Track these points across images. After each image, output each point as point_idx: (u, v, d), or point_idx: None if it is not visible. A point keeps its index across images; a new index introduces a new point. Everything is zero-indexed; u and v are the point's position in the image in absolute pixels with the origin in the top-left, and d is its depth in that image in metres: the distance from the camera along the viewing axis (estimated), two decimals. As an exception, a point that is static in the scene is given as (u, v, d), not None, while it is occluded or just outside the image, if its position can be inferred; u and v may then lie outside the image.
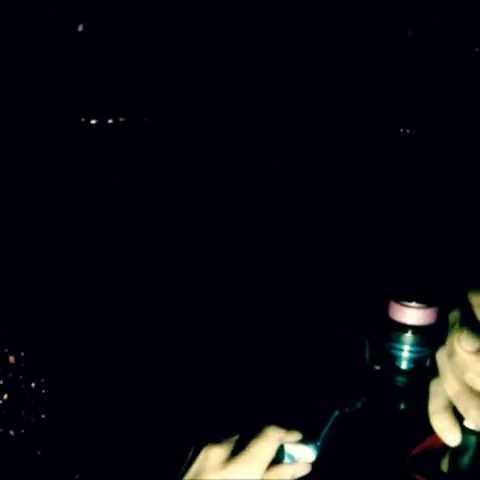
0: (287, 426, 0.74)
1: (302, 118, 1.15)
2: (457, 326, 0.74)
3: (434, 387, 0.75)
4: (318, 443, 0.76)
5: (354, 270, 0.95)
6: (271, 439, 0.72)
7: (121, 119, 1.11)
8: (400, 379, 0.81)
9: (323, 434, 0.78)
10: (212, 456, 0.72)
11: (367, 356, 0.82)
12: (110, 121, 1.12)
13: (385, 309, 0.81)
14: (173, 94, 1.16)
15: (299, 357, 0.92)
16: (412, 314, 0.79)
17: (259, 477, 0.70)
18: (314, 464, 0.73)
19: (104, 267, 1.13)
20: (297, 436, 0.74)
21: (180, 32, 1.13)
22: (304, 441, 0.75)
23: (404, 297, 0.79)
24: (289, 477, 0.71)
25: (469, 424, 0.73)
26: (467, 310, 0.76)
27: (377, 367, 0.81)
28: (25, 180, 1.12)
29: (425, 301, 0.78)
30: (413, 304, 0.79)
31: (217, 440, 0.72)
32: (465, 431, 0.73)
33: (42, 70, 1.10)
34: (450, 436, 0.72)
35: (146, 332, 1.12)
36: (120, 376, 1.10)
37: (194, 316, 1.08)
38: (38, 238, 1.12)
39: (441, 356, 0.75)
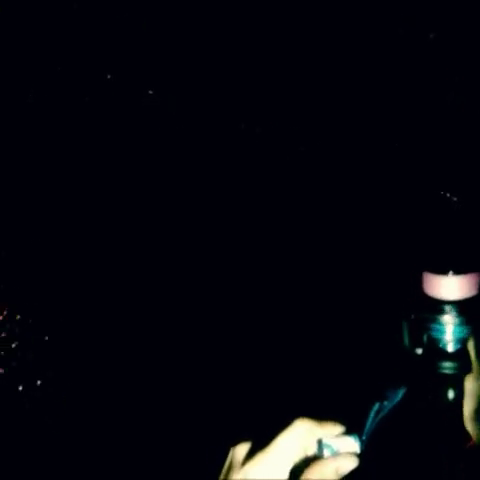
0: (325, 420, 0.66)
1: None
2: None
3: (469, 384, 0.66)
4: (363, 437, 0.67)
5: (384, 245, 0.89)
6: (297, 430, 0.63)
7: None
8: (445, 363, 0.72)
9: (366, 428, 0.69)
10: (238, 454, 0.65)
11: (406, 339, 0.74)
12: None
13: (420, 285, 0.74)
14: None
15: (331, 347, 0.85)
16: (452, 287, 0.72)
17: (285, 469, 0.62)
18: (360, 459, 0.64)
19: (107, 265, 1.10)
20: (333, 428, 0.65)
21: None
22: (345, 434, 0.66)
23: (439, 268, 0.72)
24: (333, 473, 0.62)
25: None
26: None
27: (418, 351, 0.73)
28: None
29: (465, 270, 0.71)
30: (451, 276, 0.71)
31: (246, 438, 0.65)
32: None
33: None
34: None
35: (151, 333, 1.07)
36: (124, 376, 1.05)
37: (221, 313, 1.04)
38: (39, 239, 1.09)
39: (473, 346, 0.67)
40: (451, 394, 0.72)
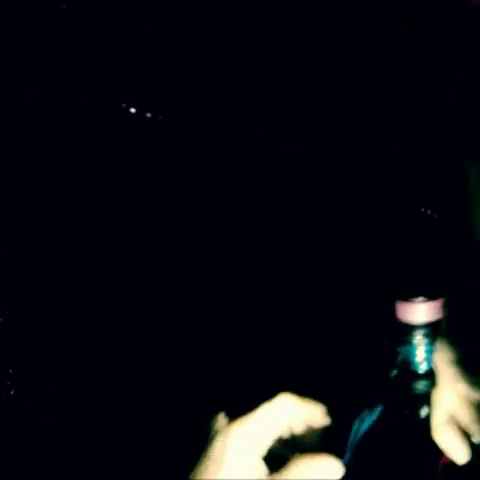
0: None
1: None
2: (443, 328, 0.70)
3: (435, 396, 0.69)
4: (345, 457, 0.72)
5: (357, 272, 0.93)
6: (280, 401, 0.66)
7: (160, 117, 1.12)
8: (419, 383, 0.78)
9: (347, 448, 0.74)
10: (220, 421, 0.65)
11: (382, 362, 0.79)
12: (148, 115, 1.12)
13: (392, 311, 0.79)
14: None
15: (309, 367, 0.88)
16: (420, 312, 0.77)
17: (267, 437, 0.62)
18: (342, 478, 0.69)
19: (105, 265, 1.11)
20: (316, 407, 0.67)
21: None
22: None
23: (408, 294, 0.77)
24: (313, 474, 0.64)
25: (476, 439, 0.68)
26: (453, 308, 0.73)
27: (393, 373, 0.78)
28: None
29: (431, 294, 0.76)
30: (418, 301, 0.77)
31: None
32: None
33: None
34: (456, 455, 0.66)
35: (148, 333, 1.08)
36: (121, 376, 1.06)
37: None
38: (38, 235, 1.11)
39: (437, 360, 0.70)
40: (424, 411, 0.77)
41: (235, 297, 1.10)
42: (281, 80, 1.16)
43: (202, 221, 1.14)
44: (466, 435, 0.67)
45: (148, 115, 1.15)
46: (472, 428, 0.65)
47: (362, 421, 0.77)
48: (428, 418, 0.75)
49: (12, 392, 1.02)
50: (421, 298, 0.77)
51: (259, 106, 1.17)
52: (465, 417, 0.65)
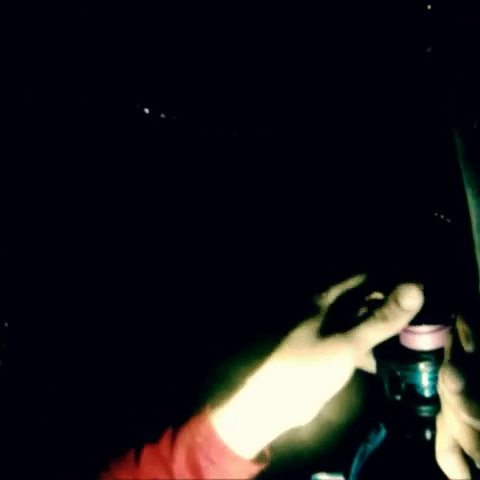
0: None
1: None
2: (446, 358, 0.72)
3: (440, 422, 0.71)
4: (350, 479, 0.74)
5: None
6: None
7: (173, 117, 1.13)
8: (423, 408, 0.79)
9: (353, 470, 0.76)
10: None
11: (386, 387, 0.81)
12: (162, 115, 1.13)
13: (397, 337, 0.81)
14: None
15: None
16: (425, 339, 0.79)
17: None
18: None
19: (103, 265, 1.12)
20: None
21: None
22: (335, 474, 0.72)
23: (413, 322, 0.79)
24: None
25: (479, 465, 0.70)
26: (456, 338, 0.74)
27: (398, 397, 0.80)
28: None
29: (436, 322, 0.78)
30: (424, 328, 0.79)
31: None
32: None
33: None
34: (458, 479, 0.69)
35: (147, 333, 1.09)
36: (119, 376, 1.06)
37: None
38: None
39: (440, 389, 0.70)
40: (428, 435, 0.79)
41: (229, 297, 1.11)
42: (282, 81, 1.16)
43: (206, 218, 1.14)
44: (470, 461, 0.70)
45: (162, 116, 1.16)
46: (475, 455, 0.67)
47: (367, 444, 0.79)
48: (431, 442, 0.77)
49: (12, 392, 1.03)
50: (427, 326, 0.78)
51: (261, 106, 1.17)
52: (469, 444, 0.67)
